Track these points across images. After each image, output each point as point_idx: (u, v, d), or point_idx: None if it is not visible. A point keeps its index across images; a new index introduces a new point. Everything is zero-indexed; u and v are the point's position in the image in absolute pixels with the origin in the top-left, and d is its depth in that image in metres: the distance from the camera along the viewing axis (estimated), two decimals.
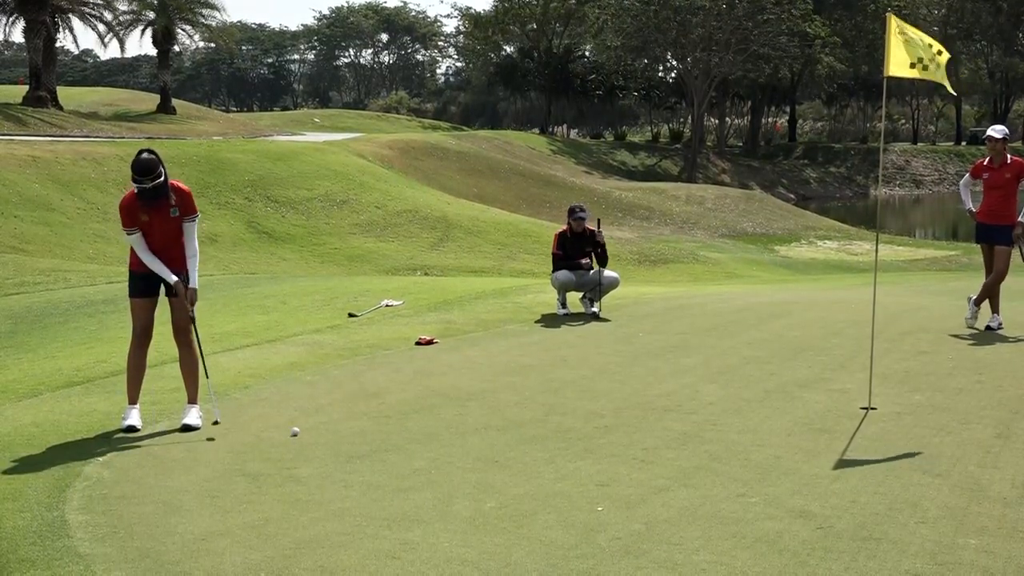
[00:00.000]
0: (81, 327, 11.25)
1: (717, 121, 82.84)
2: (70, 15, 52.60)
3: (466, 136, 55.92)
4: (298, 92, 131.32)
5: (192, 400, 6.92)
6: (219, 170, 30.16)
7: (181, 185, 6.82)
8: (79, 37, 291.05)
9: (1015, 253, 10.20)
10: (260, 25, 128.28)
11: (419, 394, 7.67)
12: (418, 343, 9.51)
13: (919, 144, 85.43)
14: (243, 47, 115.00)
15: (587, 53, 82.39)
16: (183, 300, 6.82)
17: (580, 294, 11.34)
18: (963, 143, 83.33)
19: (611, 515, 5.08)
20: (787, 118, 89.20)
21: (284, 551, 4.67)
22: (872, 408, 7.02)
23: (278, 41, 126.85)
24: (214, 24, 58.86)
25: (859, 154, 77.74)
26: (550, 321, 10.79)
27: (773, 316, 11.17)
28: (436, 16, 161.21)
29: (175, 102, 57.30)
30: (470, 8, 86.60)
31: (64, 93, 53.00)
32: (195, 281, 6.87)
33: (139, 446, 6.37)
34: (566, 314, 11.05)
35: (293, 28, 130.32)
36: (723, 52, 63.46)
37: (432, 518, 5.07)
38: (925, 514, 5.02)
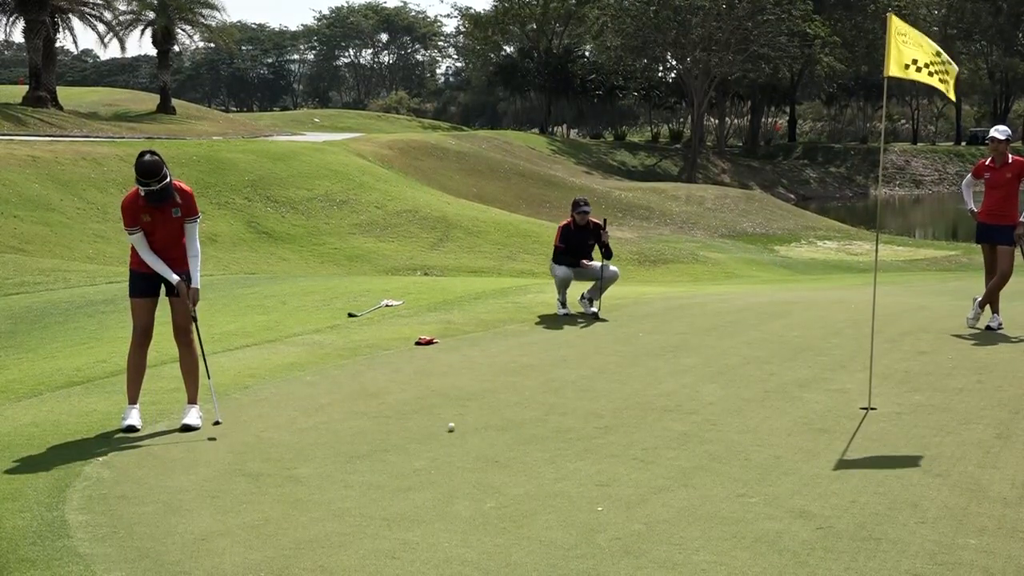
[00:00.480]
0: (81, 327, 11.25)
1: (717, 121, 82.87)
2: (70, 15, 52.59)
3: (466, 136, 55.91)
4: (298, 92, 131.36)
5: (192, 400, 6.92)
6: (219, 170, 30.18)
7: (183, 186, 6.82)
8: (79, 37, 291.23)
9: (1017, 252, 10.20)
10: (260, 25, 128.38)
11: (419, 394, 7.67)
12: (418, 343, 9.51)
13: (919, 144, 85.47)
14: (243, 47, 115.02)
15: (587, 53, 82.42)
16: (184, 300, 6.82)
17: (580, 295, 11.34)
18: (963, 143, 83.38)
19: (611, 515, 5.08)
20: (787, 118, 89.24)
21: (284, 551, 4.67)
22: (872, 408, 7.03)
23: (278, 41, 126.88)
24: (214, 24, 58.90)
25: (859, 154, 77.78)
26: (550, 321, 10.79)
27: (773, 316, 11.17)
28: (436, 16, 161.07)
29: (175, 102, 57.31)
30: (470, 8, 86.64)
31: (64, 93, 53.00)
32: (197, 281, 6.87)
33: (139, 446, 6.37)
34: (566, 314, 11.05)
35: (293, 28, 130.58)
36: (723, 52, 63.47)
37: (432, 518, 5.08)
38: (925, 514, 5.03)
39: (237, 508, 5.23)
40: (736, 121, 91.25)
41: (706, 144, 75.01)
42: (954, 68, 7.22)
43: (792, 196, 63.98)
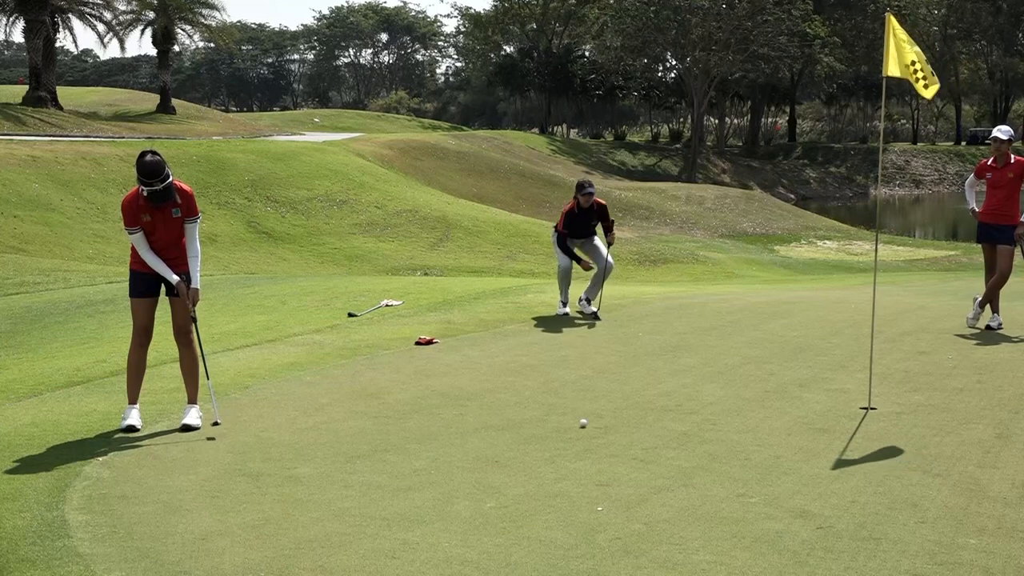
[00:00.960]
0: (81, 327, 11.25)
1: (717, 121, 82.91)
2: (70, 15, 52.62)
3: (466, 136, 55.92)
4: (298, 92, 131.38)
5: (192, 400, 6.92)
6: (219, 170, 30.18)
7: (184, 186, 6.81)
8: (79, 37, 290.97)
9: (1017, 252, 10.21)
10: (260, 25, 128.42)
11: (419, 394, 7.67)
12: (418, 343, 9.50)
13: (919, 144, 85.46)
14: (243, 47, 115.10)
15: (587, 53, 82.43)
16: (184, 300, 6.82)
17: (579, 295, 11.32)
18: (963, 143, 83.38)
19: (611, 515, 5.08)
20: (787, 118, 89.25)
21: (284, 551, 4.67)
22: (872, 408, 7.03)
23: (278, 41, 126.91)
24: (214, 24, 58.94)
25: (859, 154, 77.79)
26: (550, 321, 10.79)
27: (773, 316, 11.17)
28: (436, 16, 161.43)
29: (175, 102, 57.35)
30: (470, 8, 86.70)
31: (64, 93, 53.04)
32: (197, 281, 6.87)
33: (139, 446, 6.37)
34: (566, 314, 11.05)
35: (293, 28, 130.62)
36: (723, 52, 63.48)
37: (432, 518, 5.08)
38: (925, 514, 5.03)
39: (237, 508, 5.23)
40: (736, 121, 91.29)
41: (706, 144, 75.03)
42: (934, 86, 7.21)
43: (792, 196, 64.00)
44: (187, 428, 6.70)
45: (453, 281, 16.11)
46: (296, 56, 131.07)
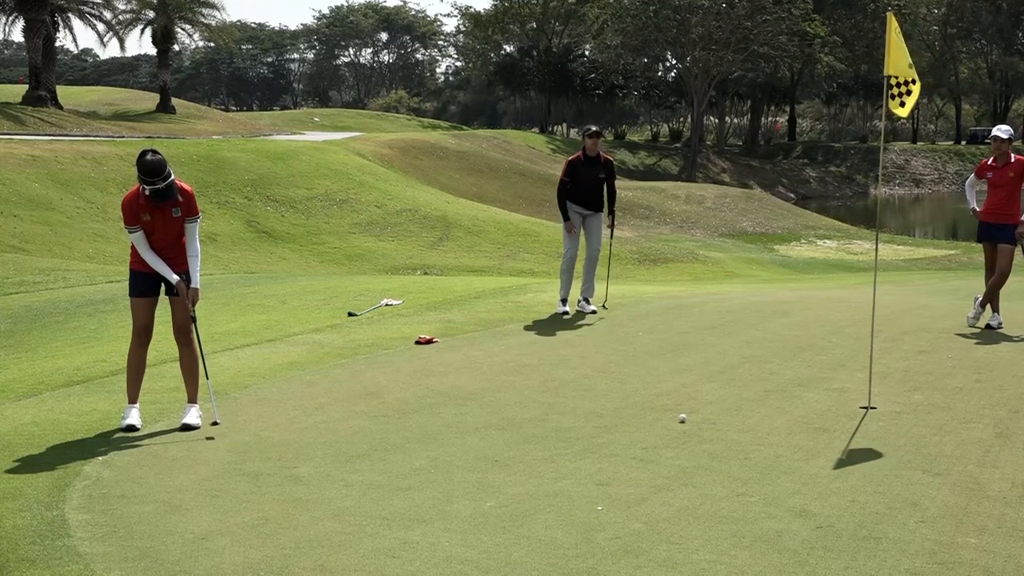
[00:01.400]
0: (81, 327, 11.25)
1: (717, 120, 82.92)
2: (70, 14, 52.65)
3: (466, 135, 55.92)
4: (298, 91, 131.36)
5: (192, 400, 6.92)
6: (219, 169, 30.18)
7: (184, 185, 6.81)
8: (79, 36, 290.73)
9: (1018, 251, 10.21)
10: (260, 24, 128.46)
11: (419, 394, 7.67)
12: (418, 342, 9.50)
13: (919, 143, 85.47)
14: (243, 46, 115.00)
15: (587, 52, 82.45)
16: (184, 299, 6.82)
17: (579, 296, 11.32)
18: (963, 142, 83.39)
19: (611, 515, 5.08)
20: (787, 117, 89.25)
21: (284, 550, 4.67)
22: (872, 407, 7.02)
23: (278, 40, 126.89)
24: (214, 23, 58.99)
25: (859, 153, 77.79)
26: (550, 321, 10.79)
27: (773, 315, 11.17)
28: (436, 15, 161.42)
29: (175, 101, 57.35)
30: (470, 7, 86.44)
31: (64, 92, 53.04)
32: (197, 281, 6.87)
33: (139, 445, 6.37)
34: (566, 313, 11.05)
35: (293, 27, 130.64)
36: (723, 51, 63.51)
37: (432, 518, 5.07)
38: (925, 513, 5.03)
39: (237, 507, 5.23)
40: (736, 120, 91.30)
41: (706, 143, 75.05)
42: (914, 95, 7.20)
43: (792, 195, 64.00)
44: (187, 427, 6.70)
45: (453, 280, 16.11)
46: (296, 55, 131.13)
